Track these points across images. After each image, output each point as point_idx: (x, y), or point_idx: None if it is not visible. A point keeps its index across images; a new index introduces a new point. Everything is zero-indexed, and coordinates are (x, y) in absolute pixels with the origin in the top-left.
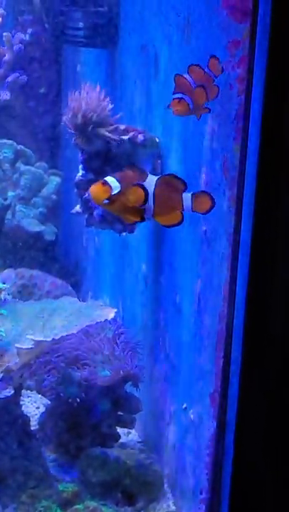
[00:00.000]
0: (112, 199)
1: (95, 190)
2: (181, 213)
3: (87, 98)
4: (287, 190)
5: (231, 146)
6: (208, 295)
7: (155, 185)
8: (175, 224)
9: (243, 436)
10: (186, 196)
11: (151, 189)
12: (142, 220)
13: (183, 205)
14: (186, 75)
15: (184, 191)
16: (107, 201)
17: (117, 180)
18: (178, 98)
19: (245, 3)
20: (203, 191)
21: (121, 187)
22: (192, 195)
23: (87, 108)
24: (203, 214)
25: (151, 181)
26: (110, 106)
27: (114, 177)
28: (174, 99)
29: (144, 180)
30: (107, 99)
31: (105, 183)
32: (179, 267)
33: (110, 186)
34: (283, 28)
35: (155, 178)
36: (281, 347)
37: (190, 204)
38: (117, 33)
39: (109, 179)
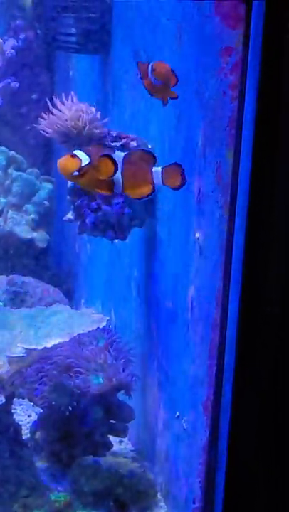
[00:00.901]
0: (81, 171)
1: (64, 162)
2: (152, 185)
3: (74, 105)
4: (281, 197)
5: (224, 153)
6: (201, 303)
7: (124, 158)
8: (145, 196)
9: (236, 444)
10: (156, 170)
11: (120, 162)
12: (111, 192)
13: (153, 179)
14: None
15: (154, 165)
16: (76, 173)
17: (86, 154)
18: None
19: (237, 10)
20: (174, 164)
21: (90, 159)
22: (162, 168)
23: (77, 115)
24: (174, 189)
25: (119, 156)
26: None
27: (82, 150)
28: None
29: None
30: (93, 109)
31: (74, 155)
32: (172, 275)
33: (79, 159)
34: (276, 35)
35: (123, 153)
36: (274, 355)
37: (160, 178)
38: (110, 39)
39: (78, 152)
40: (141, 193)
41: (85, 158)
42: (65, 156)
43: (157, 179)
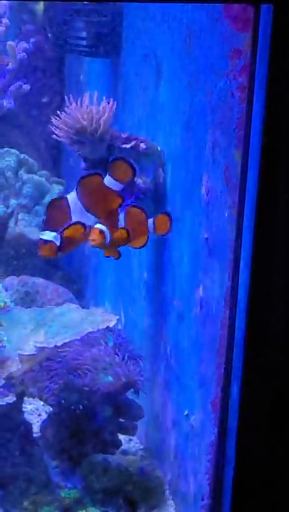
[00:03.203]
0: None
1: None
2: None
3: (89, 106)
4: None
5: (233, 155)
6: (209, 302)
7: (124, 220)
8: (144, 245)
9: (245, 442)
10: (149, 222)
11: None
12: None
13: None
14: None
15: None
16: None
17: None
18: None
19: (246, 13)
20: (163, 213)
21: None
22: (153, 219)
23: (91, 116)
24: (163, 236)
25: (121, 218)
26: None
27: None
28: None
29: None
30: (114, 105)
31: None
32: (181, 275)
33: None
34: (284, 38)
35: (122, 213)
36: (282, 354)
37: (152, 227)
38: (120, 43)
39: (98, 226)
40: (142, 243)
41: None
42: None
43: (150, 228)
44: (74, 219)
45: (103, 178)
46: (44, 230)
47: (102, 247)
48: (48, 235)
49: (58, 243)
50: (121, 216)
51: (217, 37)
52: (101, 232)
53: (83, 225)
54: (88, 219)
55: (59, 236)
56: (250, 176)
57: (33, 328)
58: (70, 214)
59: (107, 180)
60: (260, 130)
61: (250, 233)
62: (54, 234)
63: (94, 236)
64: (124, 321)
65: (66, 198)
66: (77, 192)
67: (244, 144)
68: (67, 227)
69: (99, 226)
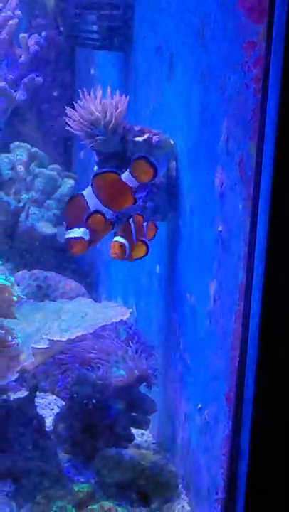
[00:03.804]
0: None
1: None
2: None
3: (103, 99)
4: None
5: (247, 146)
6: (223, 295)
7: (93, 192)
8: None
9: (259, 435)
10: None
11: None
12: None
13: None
14: None
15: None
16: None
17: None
18: None
19: (261, 4)
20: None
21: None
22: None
23: (105, 109)
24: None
25: (88, 193)
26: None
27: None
28: None
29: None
30: (126, 99)
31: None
32: (194, 268)
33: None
34: None
35: (89, 188)
36: None
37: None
38: (132, 36)
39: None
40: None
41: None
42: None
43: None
44: (103, 214)
45: (118, 175)
46: (68, 229)
47: (122, 259)
48: (77, 232)
49: (87, 237)
50: (88, 192)
51: (231, 28)
52: (121, 245)
53: (102, 214)
54: (106, 213)
55: (87, 230)
56: (265, 168)
57: (46, 322)
58: (89, 209)
59: (125, 175)
60: (274, 122)
61: (264, 226)
62: (82, 230)
63: (114, 250)
64: (136, 315)
65: (82, 194)
66: (92, 187)
67: (259, 135)
68: (88, 217)
69: (119, 239)
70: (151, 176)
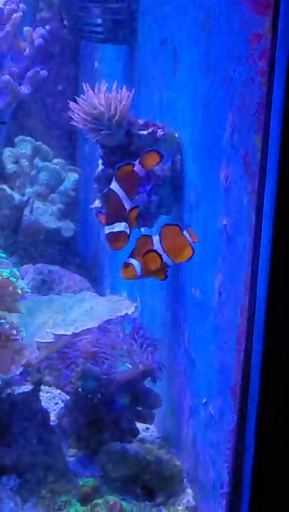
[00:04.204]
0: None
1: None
2: (191, 246)
3: (107, 93)
4: None
5: (252, 140)
6: (228, 289)
7: (160, 240)
8: (190, 257)
9: (264, 429)
10: (186, 233)
11: (159, 246)
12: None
13: (189, 240)
14: None
15: (182, 230)
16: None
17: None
18: None
19: None
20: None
21: (140, 266)
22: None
23: (109, 102)
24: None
25: (156, 240)
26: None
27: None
28: None
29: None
30: (131, 94)
31: (128, 264)
32: (199, 261)
33: (134, 267)
34: None
35: (157, 236)
36: None
37: (190, 238)
38: (136, 29)
39: (131, 260)
40: (188, 255)
41: (137, 265)
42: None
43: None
44: (126, 207)
45: (132, 165)
46: (109, 225)
47: (136, 278)
48: (120, 227)
49: (128, 231)
50: (156, 238)
51: (236, 21)
52: (128, 266)
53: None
54: (129, 205)
55: (127, 224)
56: (270, 162)
57: (50, 316)
58: (123, 203)
59: (137, 167)
60: (280, 115)
61: (270, 219)
62: (123, 224)
63: (122, 273)
64: (141, 309)
65: (111, 188)
66: (116, 180)
67: (264, 129)
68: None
69: (131, 261)
70: (158, 160)
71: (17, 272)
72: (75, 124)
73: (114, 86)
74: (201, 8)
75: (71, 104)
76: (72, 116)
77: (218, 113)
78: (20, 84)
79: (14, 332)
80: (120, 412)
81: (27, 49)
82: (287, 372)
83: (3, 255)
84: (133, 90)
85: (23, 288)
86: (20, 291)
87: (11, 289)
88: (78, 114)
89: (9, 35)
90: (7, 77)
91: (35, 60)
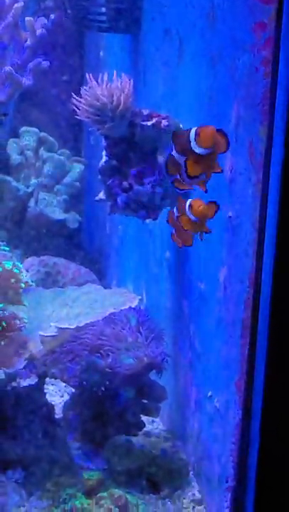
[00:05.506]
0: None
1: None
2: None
3: (109, 84)
4: None
5: (257, 130)
6: (233, 282)
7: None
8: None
9: (269, 423)
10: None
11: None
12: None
13: None
14: None
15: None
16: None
17: None
18: None
19: None
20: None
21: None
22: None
23: (111, 93)
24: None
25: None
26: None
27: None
28: None
29: None
30: (131, 82)
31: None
32: (204, 254)
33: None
34: None
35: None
36: None
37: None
38: (141, 18)
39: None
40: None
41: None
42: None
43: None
44: None
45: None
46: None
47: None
48: None
49: None
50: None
51: (241, 9)
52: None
53: None
54: None
55: None
56: (275, 152)
57: (54, 309)
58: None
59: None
60: (285, 105)
61: (274, 211)
62: None
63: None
64: (146, 301)
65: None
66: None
67: (269, 119)
68: None
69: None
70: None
71: (21, 265)
72: (78, 117)
73: (115, 75)
74: None
75: (73, 97)
76: (75, 109)
77: (223, 103)
78: (21, 76)
79: (17, 322)
80: (125, 405)
81: (28, 40)
82: None
83: (6, 248)
84: (132, 80)
85: (27, 281)
86: (23, 285)
87: (13, 281)
88: (81, 107)
89: (11, 26)
90: (8, 68)
91: (37, 51)
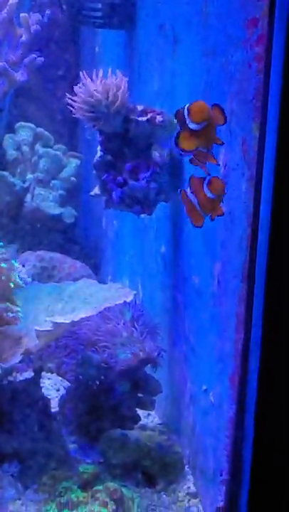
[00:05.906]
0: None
1: None
2: None
3: (104, 80)
4: None
5: (250, 126)
6: (227, 277)
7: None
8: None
9: (263, 417)
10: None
11: None
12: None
13: None
14: None
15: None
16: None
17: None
18: None
19: None
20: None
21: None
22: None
23: (106, 90)
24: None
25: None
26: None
27: None
28: None
29: None
30: (125, 79)
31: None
32: (198, 249)
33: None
34: None
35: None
36: None
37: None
38: (135, 13)
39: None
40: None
41: None
42: None
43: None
44: None
45: None
46: None
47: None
48: None
49: None
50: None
51: (234, 5)
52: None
53: None
54: None
55: None
56: (268, 148)
57: (50, 304)
58: None
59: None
60: (277, 101)
61: (268, 206)
62: None
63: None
64: (141, 296)
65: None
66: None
67: (262, 115)
68: None
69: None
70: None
71: (16, 263)
72: (73, 114)
73: (110, 72)
74: None
75: (68, 95)
76: (70, 106)
77: (216, 99)
78: (16, 72)
79: (10, 314)
80: (121, 399)
81: (23, 36)
82: (286, 361)
83: None
84: (126, 77)
85: (17, 281)
86: (13, 285)
87: (3, 278)
88: (76, 104)
89: (5, 22)
90: (3, 64)
91: (32, 47)
